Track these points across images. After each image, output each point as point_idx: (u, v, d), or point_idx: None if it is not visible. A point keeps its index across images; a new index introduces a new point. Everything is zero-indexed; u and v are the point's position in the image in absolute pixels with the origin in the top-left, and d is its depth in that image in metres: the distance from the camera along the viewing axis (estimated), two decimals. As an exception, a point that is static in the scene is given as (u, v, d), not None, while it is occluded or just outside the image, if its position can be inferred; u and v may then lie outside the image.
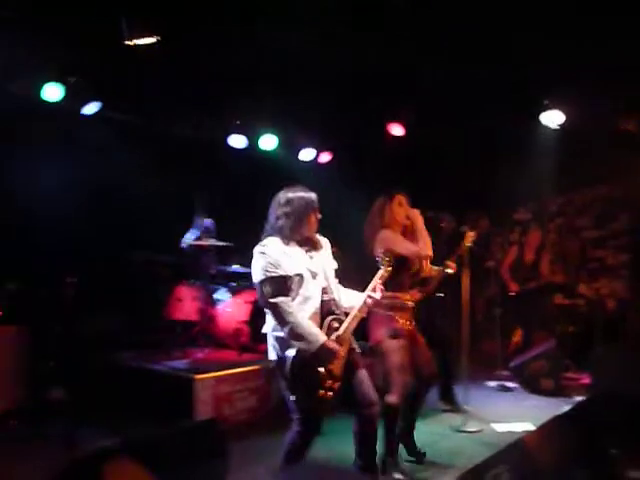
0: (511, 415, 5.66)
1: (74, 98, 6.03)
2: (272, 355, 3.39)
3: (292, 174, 7.84)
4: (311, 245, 3.50)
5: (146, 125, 6.95)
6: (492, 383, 6.98)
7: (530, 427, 5.04)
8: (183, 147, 7.30)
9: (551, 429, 3.40)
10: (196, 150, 7.40)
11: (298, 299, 3.30)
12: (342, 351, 3.30)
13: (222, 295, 6.80)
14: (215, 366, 5.45)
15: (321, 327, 3.32)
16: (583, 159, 7.50)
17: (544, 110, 6.84)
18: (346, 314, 3.46)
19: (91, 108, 6.23)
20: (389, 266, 3.56)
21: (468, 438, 5.06)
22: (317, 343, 3.20)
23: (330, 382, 3.25)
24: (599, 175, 8.04)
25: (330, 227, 3.69)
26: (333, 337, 3.32)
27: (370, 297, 3.44)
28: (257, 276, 3.32)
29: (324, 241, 3.62)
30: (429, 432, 5.16)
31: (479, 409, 5.77)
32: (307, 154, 8.34)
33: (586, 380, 6.68)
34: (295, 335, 3.21)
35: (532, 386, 6.58)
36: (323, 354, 3.22)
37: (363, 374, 3.41)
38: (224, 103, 7.03)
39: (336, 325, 3.38)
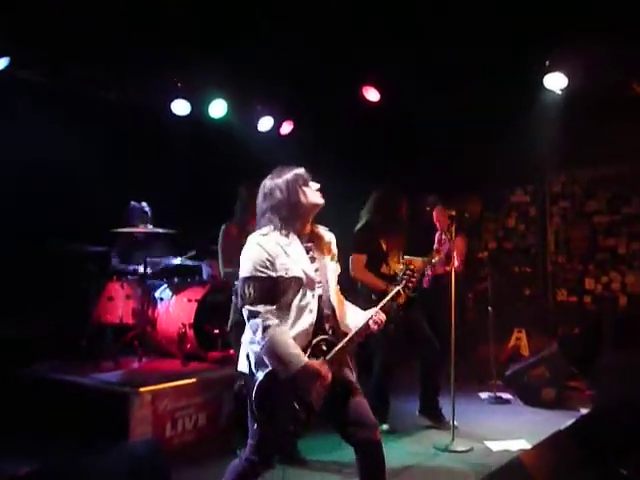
0: (507, 431, 5.75)
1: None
2: (242, 366, 3.35)
3: (247, 148, 7.94)
4: (315, 241, 3.44)
5: (66, 87, 6.81)
6: (484, 394, 7.10)
7: (528, 445, 5.13)
8: (112, 114, 7.19)
9: (552, 447, 3.47)
10: (128, 118, 7.30)
11: (293, 308, 3.24)
12: (327, 377, 3.20)
13: (162, 293, 6.77)
14: (155, 378, 5.42)
15: (307, 348, 3.24)
16: (591, 132, 7.60)
17: (546, 73, 6.91)
18: (345, 335, 3.38)
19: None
20: (409, 284, 3.50)
21: (456, 459, 5.12)
22: (297, 365, 3.10)
23: (304, 416, 3.18)
24: (610, 151, 8.16)
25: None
26: (318, 361, 3.22)
27: (375, 318, 3.36)
28: (244, 270, 3.25)
29: (329, 237, 3.55)
30: (409, 452, 5.24)
31: (469, 425, 5.86)
32: (265, 124, 8.32)
33: (593, 390, 6.83)
34: (270, 354, 3.12)
35: (531, 397, 6.70)
36: (303, 379, 3.13)
37: (359, 398, 3.34)
38: (162, 60, 6.93)
39: (324, 348, 3.28)
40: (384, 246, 5.79)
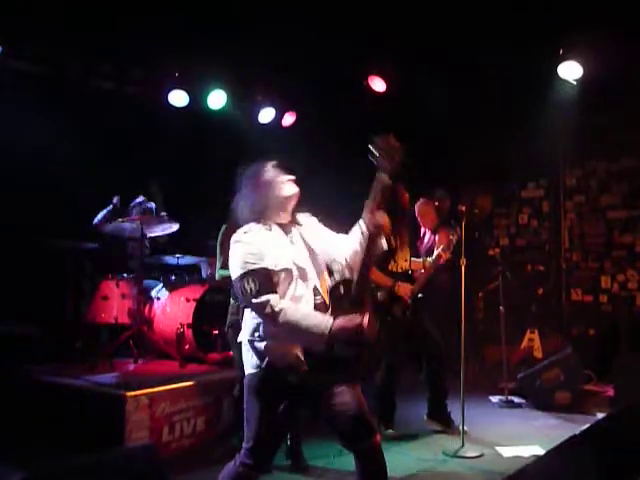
0: (519, 436, 5.73)
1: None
2: (248, 369, 3.34)
3: (248, 140, 7.93)
4: (300, 231, 3.45)
5: (58, 76, 6.82)
6: (495, 398, 7.10)
7: (541, 451, 5.13)
8: (107, 105, 7.19)
9: (567, 453, 3.46)
10: (124, 109, 7.30)
11: (287, 301, 3.21)
12: (358, 321, 3.09)
13: (159, 292, 6.77)
14: (151, 380, 5.41)
15: None
16: (608, 123, 7.57)
17: (560, 62, 6.88)
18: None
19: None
20: None
21: (466, 465, 5.10)
22: (328, 326, 3.08)
23: (297, 413, 3.20)
24: (627, 143, 8.14)
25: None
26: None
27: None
28: (235, 271, 3.22)
29: (312, 222, 3.56)
30: (417, 458, 5.21)
31: (479, 430, 5.85)
32: (266, 115, 8.32)
33: (610, 393, 6.82)
34: (296, 332, 3.11)
35: (544, 401, 6.69)
36: (341, 334, 3.08)
37: (356, 397, 3.28)
38: (159, 49, 6.93)
39: (342, 291, 3.31)
40: (393, 243, 5.76)
